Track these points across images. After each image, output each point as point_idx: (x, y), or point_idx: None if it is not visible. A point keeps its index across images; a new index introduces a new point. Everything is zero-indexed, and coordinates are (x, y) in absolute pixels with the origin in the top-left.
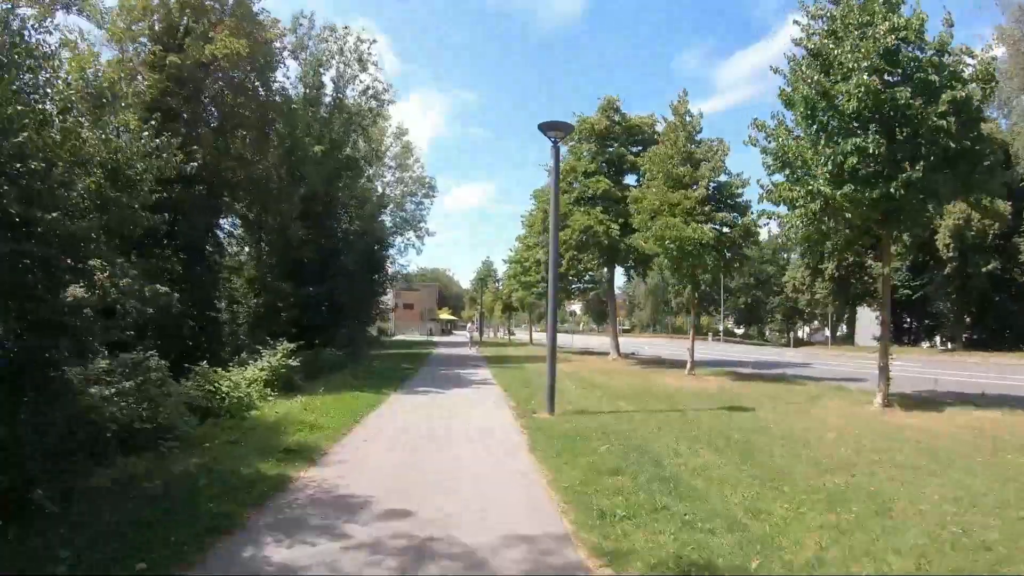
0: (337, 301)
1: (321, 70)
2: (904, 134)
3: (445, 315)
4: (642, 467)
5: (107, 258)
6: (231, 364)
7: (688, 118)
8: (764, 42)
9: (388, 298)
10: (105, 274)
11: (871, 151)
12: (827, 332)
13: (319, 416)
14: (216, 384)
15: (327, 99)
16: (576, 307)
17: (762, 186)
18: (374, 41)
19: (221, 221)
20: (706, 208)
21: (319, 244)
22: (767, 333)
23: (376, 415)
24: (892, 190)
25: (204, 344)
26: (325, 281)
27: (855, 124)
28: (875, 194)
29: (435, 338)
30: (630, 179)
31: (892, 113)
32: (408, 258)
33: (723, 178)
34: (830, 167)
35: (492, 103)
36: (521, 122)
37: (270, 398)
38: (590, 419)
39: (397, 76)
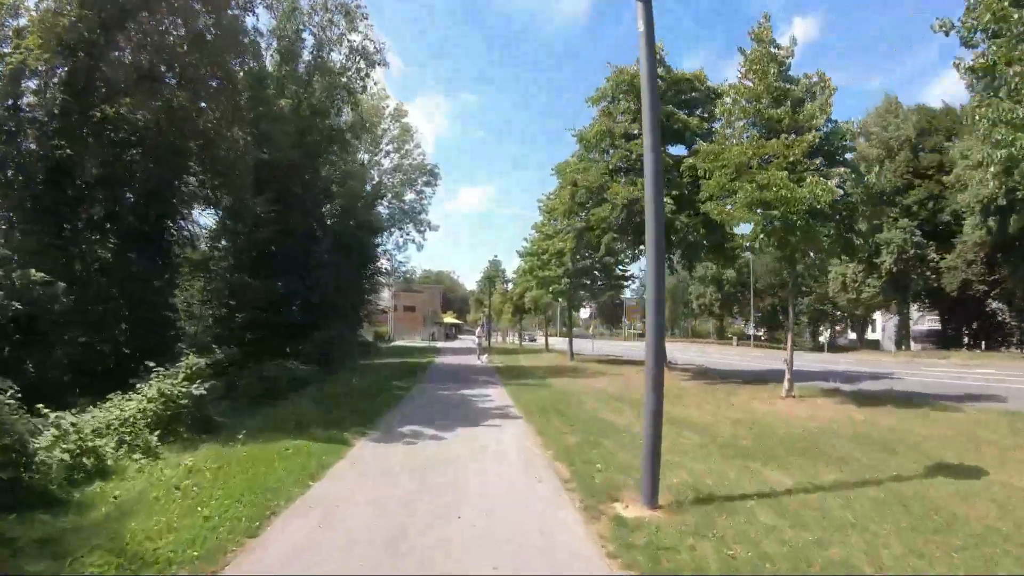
0: (317, 298)
1: (297, 18)
2: None
3: (449, 319)
4: None
5: None
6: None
7: (775, 49)
8: None
9: (385, 297)
10: None
11: None
12: (851, 335)
13: (187, 511)
14: (18, 442)
15: (306, 55)
16: (584, 312)
17: (978, 73)
18: None
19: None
20: (816, 162)
21: (295, 229)
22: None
23: (300, 508)
24: None
25: (151, 350)
26: (310, 272)
27: None
28: None
29: (438, 344)
30: (676, 150)
31: None
32: (408, 254)
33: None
34: None
35: (492, 104)
36: (521, 123)
37: (141, 457)
38: (738, 521)
39: (398, 77)
